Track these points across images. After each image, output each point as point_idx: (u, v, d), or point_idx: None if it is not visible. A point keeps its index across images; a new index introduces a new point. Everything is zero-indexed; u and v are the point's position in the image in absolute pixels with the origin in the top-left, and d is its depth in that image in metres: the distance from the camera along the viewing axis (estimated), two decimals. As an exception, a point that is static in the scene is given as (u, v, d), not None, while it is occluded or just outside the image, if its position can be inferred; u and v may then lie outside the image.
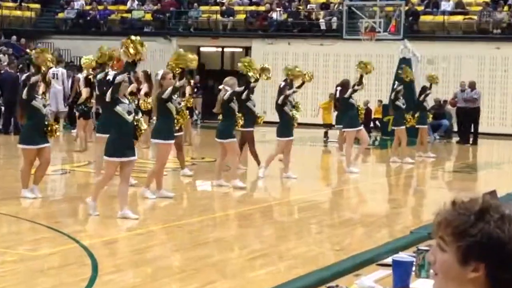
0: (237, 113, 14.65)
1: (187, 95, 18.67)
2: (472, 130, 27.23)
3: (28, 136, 12.09)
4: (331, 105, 24.25)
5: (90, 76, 19.61)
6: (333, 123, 24.07)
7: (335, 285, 7.10)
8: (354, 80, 18.44)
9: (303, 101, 29.83)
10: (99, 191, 11.11)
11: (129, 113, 10.81)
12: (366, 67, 17.81)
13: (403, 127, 19.70)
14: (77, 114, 20.52)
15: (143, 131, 11.28)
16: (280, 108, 15.99)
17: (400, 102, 19.72)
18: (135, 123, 11.03)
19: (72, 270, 7.86)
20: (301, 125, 17.86)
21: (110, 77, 11.38)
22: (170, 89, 12.53)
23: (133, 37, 10.75)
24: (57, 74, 26.47)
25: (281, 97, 15.90)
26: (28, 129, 12.20)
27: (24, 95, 12.01)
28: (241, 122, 15.04)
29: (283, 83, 16.35)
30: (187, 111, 15.53)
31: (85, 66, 18.18)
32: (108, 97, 10.81)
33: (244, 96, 16.02)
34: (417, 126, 21.07)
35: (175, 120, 13.14)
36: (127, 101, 10.98)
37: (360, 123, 18.08)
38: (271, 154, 16.15)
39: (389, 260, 7.75)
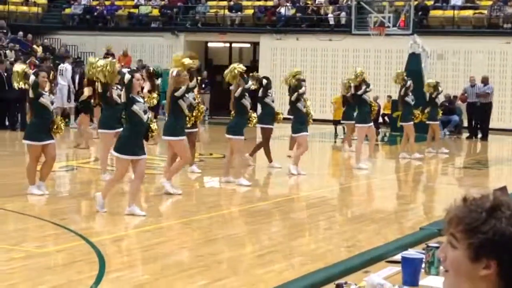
0: (249, 110, 14.54)
1: (195, 92, 18.57)
2: (480, 126, 27.19)
3: (33, 132, 12.07)
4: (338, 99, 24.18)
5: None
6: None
7: (344, 282, 7.04)
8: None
9: (312, 97, 29.80)
10: (110, 188, 11.04)
11: (144, 112, 10.79)
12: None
13: (411, 123, 19.65)
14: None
15: (155, 132, 11.20)
16: (293, 104, 15.92)
17: (410, 98, 19.68)
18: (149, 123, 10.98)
19: (79, 267, 7.82)
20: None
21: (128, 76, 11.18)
22: (183, 88, 12.53)
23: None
24: (62, 70, 26.53)
25: (295, 94, 15.83)
26: (33, 125, 12.18)
27: (30, 94, 12.03)
28: (254, 120, 14.90)
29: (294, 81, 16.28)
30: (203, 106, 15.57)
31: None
32: (123, 97, 10.79)
33: (260, 93, 15.98)
34: (428, 122, 21.04)
35: (187, 118, 13.10)
36: (142, 100, 10.96)
37: (371, 120, 18.05)
38: (296, 154, 15.98)
39: (398, 257, 7.70)
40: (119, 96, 13.63)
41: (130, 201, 10.77)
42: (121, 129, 13.11)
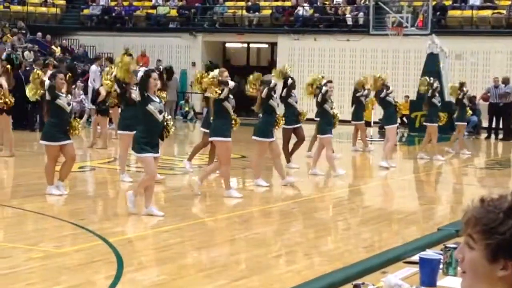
0: (277, 112, 14.46)
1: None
2: (502, 126, 27.14)
3: (50, 133, 12.11)
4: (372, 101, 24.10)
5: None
6: (371, 120, 24.08)
7: (362, 283, 7.03)
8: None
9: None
10: (142, 188, 10.98)
11: (160, 112, 10.80)
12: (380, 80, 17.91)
13: (436, 124, 19.50)
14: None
15: (171, 132, 11.20)
16: (320, 106, 15.89)
17: (436, 100, 19.56)
18: (164, 123, 10.99)
19: (97, 267, 7.84)
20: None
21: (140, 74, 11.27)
22: (226, 89, 12.47)
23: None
24: (93, 72, 26.65)
25: (320, 95, 15.80)
26: (50, 126, 12.21)
27: (47, 97, 12.08)
28: (282, 122, 14.80)
29: (324, 81, 16.23)
30: None
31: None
32: (137, 95, 10.80)
33: (284, 93, 15.96)
34: (456, 123, 21.09)
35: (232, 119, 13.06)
36: (157, 100, 10.96)
37: (397, 120, 18.22)
38: (327, 155, 15.94)
39: (416, 257, 7.68)
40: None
41: (147, 202, 10.79)
42: None
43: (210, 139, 13.06)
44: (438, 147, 19.92)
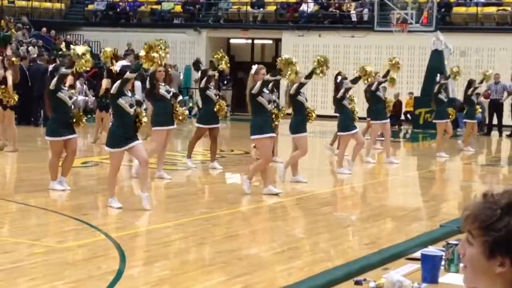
0: (306, 106, 14.28)
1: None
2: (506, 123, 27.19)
3: (54, 128, 12.12)
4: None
5: (112, 67, 19.62)
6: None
7: (363, 279, 7.04)
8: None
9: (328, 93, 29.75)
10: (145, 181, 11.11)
11: (131, 105, 10.84)
12: (396, 67, 17.58)
13: (446, 120, 19.39)
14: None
15: (143, 123, 11.21)
16: (339, 102, 15.79)
17: (443, 96, 19.46)
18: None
19: (99, 263, 7.85)
20: (328, 117, 17.79)
21: (117, 68, 11.41)
22: (259, 83, 12.41)
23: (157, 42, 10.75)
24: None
25: (341, 91, 15.62)
26: (54, 121, 12.23)
27: (52, 86, 12.01)
28: (314, 115, 14.62)
29: (339, 78, 16.08)
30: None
31: (105, 57, 18.05)
32: (113, 90, 10.81)
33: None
34: (464, 120, 21.01)
35: (273, 115, 13.00)
36: (130, 94, 10.99)
37: (387, 116, 18.02)
38: (340, 152, 15.88)
39: (418, 254, 7.68)
40: (168, 92, 13.77)
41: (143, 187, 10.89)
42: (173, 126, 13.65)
43: (251, 137, 12.86)
44: (445, 144, 19.82)
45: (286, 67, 12.79)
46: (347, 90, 15.62)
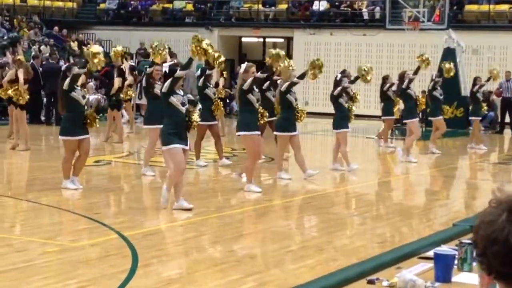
0: (296, 106, 14.33)
1: (220, 86, 18.63)
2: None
3: (68, 128, 12.14)
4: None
5: (122, 66, 19.69)
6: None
7: (376, 278, 7.02)
8: (397, 71, 18.36)
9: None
10: (172, 183, 10.96)
11: (182, 104, 10.79)
12: (426, 62, 17.90)
13: (440, 117, 19.53)
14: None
15: (195, 123, 11.14)
16: (335, 99, 15.77)
17: (437, 93, 19.55)
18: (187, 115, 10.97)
19: (112, 261, 7.86)
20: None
21: (166, 69, 11.38)
22: (250, 80, 12.47)
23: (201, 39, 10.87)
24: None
25: (338, 89, 15.59)
26: (67, 120, 12.25)
27: (65, 86, 12.04)
28: (303, 115, 14.66)
29: (339, 75, 16.08)
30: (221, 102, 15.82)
31: (115, 57, 18.08)
32: (165, 88, 10.77)
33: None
34: (470, 118, 21.00)
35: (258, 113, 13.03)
36: (181, 93, 10.96)
37: (417, 115, 18.20)
38: (342, 150, 15.85)
39: (431, 253, 7.65)
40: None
41: (176, 196, 10.83)
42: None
43: (237, 133, 13.00)
44: (438, 140, 19.92)
45: (276, 61, 12.88)
46: (344, 89, 15.61)
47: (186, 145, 10.84)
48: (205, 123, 14.97)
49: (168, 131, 10.72)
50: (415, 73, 18.07)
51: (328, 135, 22.55)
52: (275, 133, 14.51)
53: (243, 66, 12.90)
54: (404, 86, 18.00)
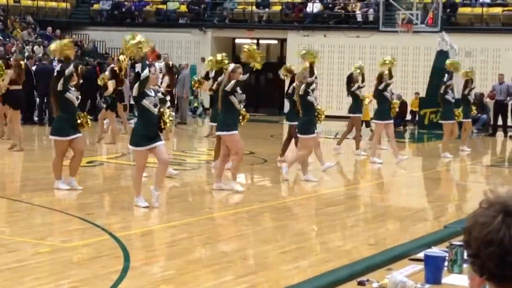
0: (316, 107, 14.48)
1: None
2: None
3: (59, 128, 12.15)
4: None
5: (116, 68, 19.72)
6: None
7: (366, 279, 7.05)
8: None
9: (339, 93, 29.80)
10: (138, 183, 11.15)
11: (155, 105, 10.84)
12: (388, 63, 18.01)
13: (452, 121, 19.40)
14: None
15: (168, 123, 11.20)
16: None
17: (450, 96, 19.40)
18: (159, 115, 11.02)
19: (104, 262, 7.87)
20: (331, 117, 17.80)
21: (138, 69, 11.44)
22: (233, 82, 12.52)
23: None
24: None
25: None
26: (59, 120, 12.25)
27: (59, 86, 12.05)
28: (323, 116, 14.70)
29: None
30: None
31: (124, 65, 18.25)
32: (134, 91, 10.84)
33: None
34: (461, 120, 20.97)
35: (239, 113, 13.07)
36: (153, 93, 10.98)
37: (391, 117, 18.05)
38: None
39: (421, 255, 7.69)
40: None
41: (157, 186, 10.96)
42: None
43: (217, 133, 13.11)
44: (449, 145, 19.80)
45: (252, 57, 12.94)
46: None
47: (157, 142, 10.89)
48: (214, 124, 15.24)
49: (138, 133, 10.87)
50: (390, 77, 18.01)
51: (329, 136, 22.58)
52: (299, 135, 14.45)
53: (231, 66, 12.98)
54: (380, 87, 17.91)
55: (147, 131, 10.82)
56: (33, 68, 24.95)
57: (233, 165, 12.96)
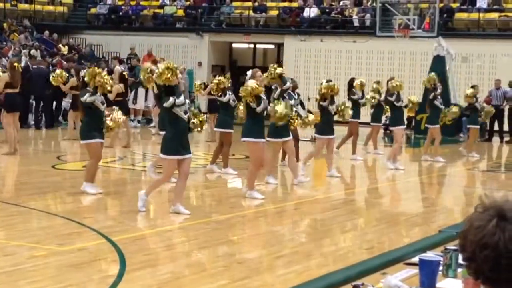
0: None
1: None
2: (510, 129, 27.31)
3: (88, 132, 12.27)
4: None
5: (125, 73, 19.73)
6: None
7: (361, 284, 7.06)
8: (387, 78, 18.47)
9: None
10: (154, 189, 11.20)
11: (185, 112, 10.80)
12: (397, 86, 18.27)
13: (438, 126, 19.63)
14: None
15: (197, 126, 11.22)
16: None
17: (438, 102, 19.64)
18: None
19: (100, 266, 7.89)
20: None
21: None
22: (279, 90, 12.59)
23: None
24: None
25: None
26: (87, 125, 12.34)
27: (83, 99, 12.20)
28: (297, 121, 14.70)
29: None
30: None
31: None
32: (169, 104, 10.70)
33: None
34: (468, 126, 21.13)
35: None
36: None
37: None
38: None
39: (416, 259, 7.70)
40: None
41: (175, 200, 10.94)
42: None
43: (242, 139, 12.85)
44: (442, 149, 19.94)
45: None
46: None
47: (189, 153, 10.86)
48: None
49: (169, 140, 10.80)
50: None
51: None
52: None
53: (249, 72, 12.97)
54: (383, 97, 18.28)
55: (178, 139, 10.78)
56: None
57: (250, 174, 12.80)
